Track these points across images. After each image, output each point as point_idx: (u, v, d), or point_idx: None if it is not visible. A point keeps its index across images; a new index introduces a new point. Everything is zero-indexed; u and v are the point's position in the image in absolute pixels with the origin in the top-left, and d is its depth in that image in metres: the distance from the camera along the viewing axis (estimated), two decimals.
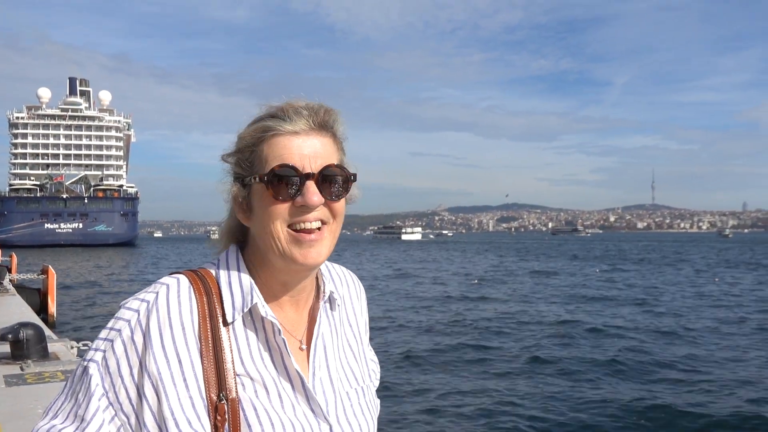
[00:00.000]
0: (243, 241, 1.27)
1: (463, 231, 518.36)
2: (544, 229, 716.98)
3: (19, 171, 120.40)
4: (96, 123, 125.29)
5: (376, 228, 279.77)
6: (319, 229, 1.17)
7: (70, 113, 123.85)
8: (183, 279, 1.19)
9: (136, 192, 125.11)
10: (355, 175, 1.22)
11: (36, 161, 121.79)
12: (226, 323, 1.17)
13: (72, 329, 19.44)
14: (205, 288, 1.18)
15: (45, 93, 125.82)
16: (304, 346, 1.25)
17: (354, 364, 1.34)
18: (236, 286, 1.20)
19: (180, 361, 1.11)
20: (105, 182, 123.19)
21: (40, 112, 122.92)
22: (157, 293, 1.16)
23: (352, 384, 1.31)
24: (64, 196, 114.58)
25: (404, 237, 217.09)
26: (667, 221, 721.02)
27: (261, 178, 1.16)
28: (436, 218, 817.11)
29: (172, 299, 1.15)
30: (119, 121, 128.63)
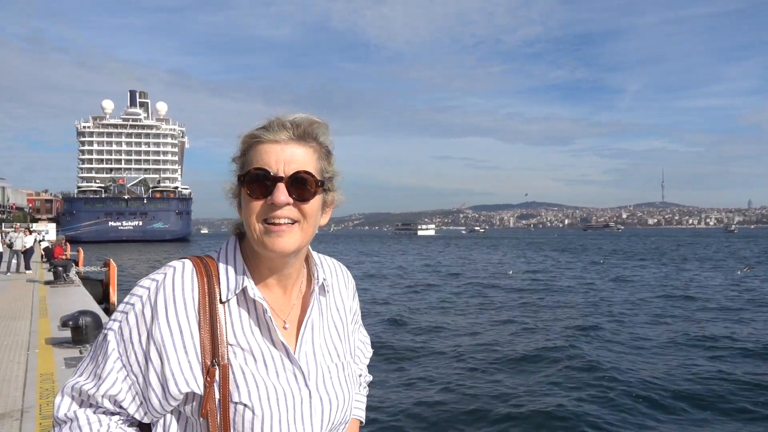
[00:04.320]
0: (243, 233, 1.34)
1: (486, 227, 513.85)
2: (560, 225, 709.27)
3: (86, 175, 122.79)
4: (153, 131, 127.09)
5: (398, 225, 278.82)
6: (290, 224, 1.23)
7: (130, 123, 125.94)
8: (188, 263, 1.29)
9: (190, 193, 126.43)
10: (323, 182, 1.27)
11: (101, 166, 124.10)
12: (222, 302, 1.26)
13: None
14: (207, 271, 1.28)
15: (108, 105, 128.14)
16: (287, 325, 1.33)
17: (338, 343, 1.41)
18: (231, 270, 1.29)
19: (181, 331, 1.21)
20: (162, 184, 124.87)
21: (104, 122, 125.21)
22: (165, 274, 1.26)
23: (334, 359, 1.37)
24: (126, 197, 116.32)
25: (420, 233, 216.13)
26: (676, 218, 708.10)
27: (240, 178, 1.26)
28: (461, 216, 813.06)
29: (176, 279, 1.25)
30: (174, 130, 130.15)
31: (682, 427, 9.18)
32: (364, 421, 1.65)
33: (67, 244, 29.73)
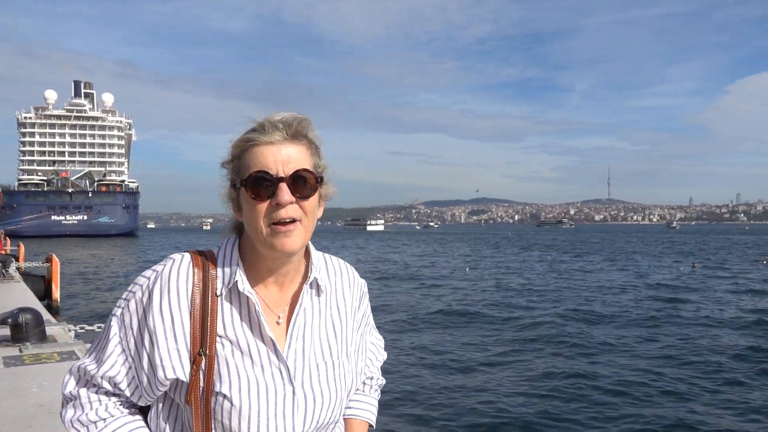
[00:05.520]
0: (242, 231, 1.38)
1: (439, 223, 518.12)
2: (511, 221, 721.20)
3: (27, 167, 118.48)
4: (99, 123, 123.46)
5: (347, 220, 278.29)
6: (293, 222, 1.27)
7: (75, 114, 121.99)
8: (186, 256, 1.34)
9: (137, 187, 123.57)
10: (322, 177, 1.33)
11: (43, 158, 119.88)
12: (215, 295, 1.31)
13: (75, 313, 19.17)
14: (203, 264, 1.32)
15: (51, 95, 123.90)
16: (281, 321, 1.35)
17: (333, 342, 1.41)
18: (226, 266, 1.33)
19: (172, 320, 1.26)
20: (108, 177, 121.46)
21: (46, 112, 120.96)
22: (165, 265, 1.32)
23: (325, 357, 1.38)
24: (70, 191, 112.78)
25: (369, 228, 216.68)
26: (622, 214, 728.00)
27: (242, 183, 1.28)
28: (413, 211, 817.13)
29: (173, 270, 1.30)
30: (121, 122, 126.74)
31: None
32: (374, 425, 1.64)
33: (7, 238, 28.75)
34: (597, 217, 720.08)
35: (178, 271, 1.30)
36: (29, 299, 13.24)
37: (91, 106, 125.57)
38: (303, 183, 1.27)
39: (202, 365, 1.25)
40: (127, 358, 1.29)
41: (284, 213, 1.25)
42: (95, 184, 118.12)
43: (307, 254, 1.42)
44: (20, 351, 7.91)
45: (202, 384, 1.26)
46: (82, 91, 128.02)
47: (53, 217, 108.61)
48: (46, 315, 10.41)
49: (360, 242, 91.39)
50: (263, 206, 1.26)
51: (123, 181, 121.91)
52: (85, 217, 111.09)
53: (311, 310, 1.40)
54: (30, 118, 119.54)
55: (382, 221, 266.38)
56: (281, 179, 1.25)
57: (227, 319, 1.30)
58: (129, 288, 1.35)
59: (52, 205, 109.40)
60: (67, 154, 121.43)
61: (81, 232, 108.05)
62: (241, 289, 1.30)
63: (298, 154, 1.29)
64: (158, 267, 1.33)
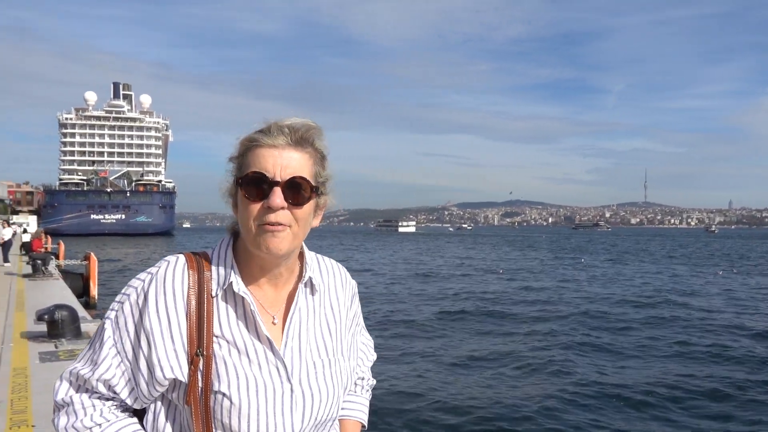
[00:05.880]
0: (237, 233, 1.39)
1: (472, 225, 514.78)
2: (545, 224, 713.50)
3: (68, 167, 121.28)
4: (137, 124, 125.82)
5: (379, 221, 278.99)
6: (283, 227, 1.26)
7: (113, 115, 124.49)
8: (181, 257, 1.35)
9: (173, 187, 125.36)
10: (317, 187, 1.32)
11: (83, 158, 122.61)
12: (211, 296, 1.31)
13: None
14: (199, 266, 1.33)
15: (91, 96, 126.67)
16: (276, 321, 1.36)
17: (328, 340, 1.43)
18: (221, 266, 1.34)
19: (169, 320, 1.27)
20: (145, 178, 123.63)
21: (87, 113, 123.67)
22: (160, 267, 1.33)
23: (321, 355, 1.39)
24: (109, 190, 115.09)
25: (400, 229, 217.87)
26: (658, 217, 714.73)
27: (238, 181, 1.29)
28: (446, 213, 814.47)
29: (168, 272, 1.31)
30: (158, 123, 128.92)
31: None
32: (366, 425, 1.65)
33: (48, 236, 29.43)
34: (633, 221, 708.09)
35: (174, 273, 1.31)
36: (67, 296, 13.53)
37: (129, 108, 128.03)
38: (298, 190, 1.27)
39: (200, 365, 1.26)
40: (122, 361, 1.28)
41: (273, 217, 1.25)
42: (133, 184, 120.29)
43: (301, 256, 1.43)
44: (55, 347, 8.08)
45: (200, 384, 1.26)
46: (121, 92, 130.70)
47: (92, 216, 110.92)
48: (82, 312, 10.62)
49: (392, 242, 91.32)
50: (255, 207, 1.26)
51: (160, 181, 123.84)
52: (123, 217, 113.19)
53: (306, 309, 1.41)
54: (71, 119, 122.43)
55: (414, 223, 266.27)
56: (276, 183, 1.25)
57: (223, 319, 1.31)
58: (123, 291, 1.34)
59: (92, 205, 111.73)
60: (106, 154, 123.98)
61: (119, 231, 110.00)
62: (236, 289, 1.31)
63: (299, 160, 1.28)
64: (153, 269, 1.33)
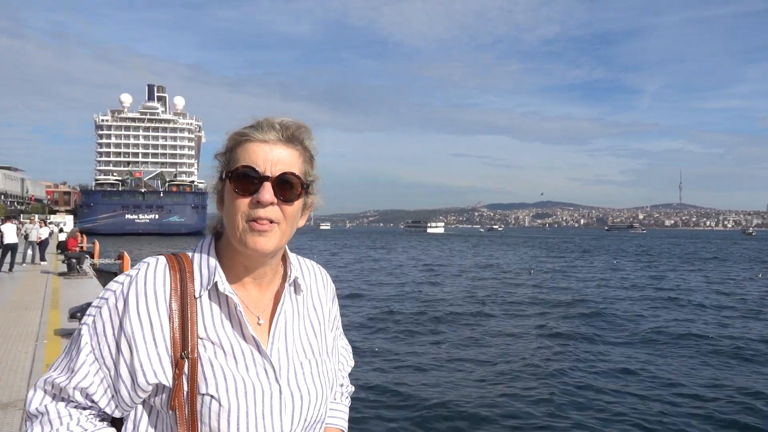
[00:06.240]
0: (221, 232, 1.37)
1: (502, 226, 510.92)
2: (576, 225, 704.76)
3: (103, 168, 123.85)
4: (171, 125, 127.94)
5: (408, 222, 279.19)
6: (270, 223, 1.24)
7: (148, 116, 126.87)
8: (162, 259, 1.31)
9: (206, 187, 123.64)
10: (308, 184, 1.31)
11: (118, 159, 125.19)
12: (194, 297, 1.27)
13: None
14: (180, 266, 1.29)
15: (127, 98, 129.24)
16: (261, 321, 1.34)
17: (313, 341, 1.41)
18: (204, 267, 1.30)
19: (151, 324, 1.22)
20: (178, 178, 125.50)
21: (122, 115, 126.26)
22: (139, 269, 1.28)
23: (308, 356, 1.37)
24: (143, 190, 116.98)
25: (429, 230, 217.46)
26: (694, 219, 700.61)
27: (227, 175, 1.26)
28: (476, 214, 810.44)
29: (149, 274, 1.26)
30: (191, 124, 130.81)
31: None
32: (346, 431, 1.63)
33: (83, 236, 29.95)
34: (667, 222, 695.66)
35: (155, 275, 1.27)
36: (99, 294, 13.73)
37: (163, 109, 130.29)
38: (288, 186, 1.26)
39: (185, 368, 1.22)
40: (101, 368, 1.23)
41: (263, 212, 1.23)
42: (166, 184, 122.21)
43: (283, 258, 1.41)
44: None
45: (186, 388, 1.22)
46: (155, 94, 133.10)
47: (127, 216, 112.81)
48: None
49: (418, 243, 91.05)
50: (244, 202, 1.24)
51: (193, 181, 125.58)
52: (157, 217, 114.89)
53: (291, 309, 1.40)
54: (107, 120, 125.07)
55: (443, 224, 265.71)
56: (266, 178, 1.23)
57: (207, 320, 1.28)
58: (100, 295, 1.29)
59: (126, 205, 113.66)
60: (140, 155, 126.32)
61: (152, 230, 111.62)
62: (221, 289, 1.28)
63: (289, 157, 1.27)
64: (132, 272, 1.29)
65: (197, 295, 1.28)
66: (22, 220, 51.55)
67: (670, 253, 69.77)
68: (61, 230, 40.68)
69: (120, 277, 1.30)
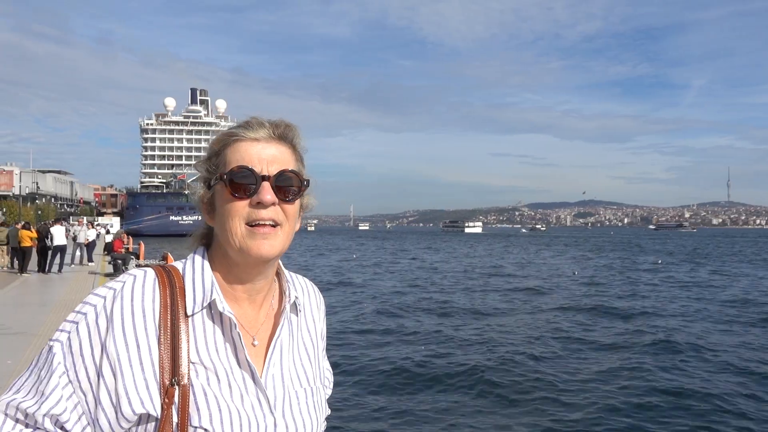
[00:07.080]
0: (209, 243, 1.27)
1: (543, 225, 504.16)
2: (620, 224, 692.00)
3: (148, 171, 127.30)
4: (213, 128, 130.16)
5: (446, 222, 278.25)
6: (273, 226, 1.16)
7: (191, 120, 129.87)
8: (150, 272, 1.18)
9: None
10: (308, 182, 1.23)
11: (162, 162, 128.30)
12: (186, 315, 1.15)
13: None
14: (170, 281, 1.17)
15: (170, 102, 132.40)
16: (256, 342, 1.23)
17: (307, 366, 1.31)
18: (198, 282, 1.18)
19: (138, 346, 1.09)
20: None
21: (166, 119, 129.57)
22: (124, 282, 1.15)
23: (303, 384, 1.27)
24: (186, 192, 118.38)
25: (467, 230, 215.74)
26: (743, 218, 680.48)
27: (221, 177, 1.16)
28: (516, 213, 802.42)
29: (137, 289, 1.13)
30: None
31: None
32: None
33: (129, 237, 30.56)
34: (715, 221, 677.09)
35: (143, 290, 1.13)
36: None
37: (206, 112, 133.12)
38: (288, 185, 1.18)
39: (176, 397, 1.09)
40: (75, 392, 1.08)
41: (265, 214, 1.15)
42: None
43: (278, 273, 1.31)
44: None
45: (176, 419, 1.08)
46: (198, 98, 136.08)
47: (171, 218, 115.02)
48: None
49: (457, 244, 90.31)
50: (242, 205, 1.15)
51: None
52: (199, 218, 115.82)
53: (288, 332, 1.29)
54: (151, 124, 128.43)
55: (480, 223, 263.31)
56: (265, 177, 1.15)
57: (200, 342, 1.15)
58: (77, 309, 1.15)
59: (170, 206, 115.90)
60: (184, 157, 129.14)
61: None
62: (220, 309, 1.16)
63: (283, 154, 1.19)
64: (115, 285, 1.15)
65: (190, 312, 1.15)
66: (70, 222, 52.98)
67: (749, 254, 65.07)
68: (108, 232, 41.70)
69: (101, 290, 1.15)
